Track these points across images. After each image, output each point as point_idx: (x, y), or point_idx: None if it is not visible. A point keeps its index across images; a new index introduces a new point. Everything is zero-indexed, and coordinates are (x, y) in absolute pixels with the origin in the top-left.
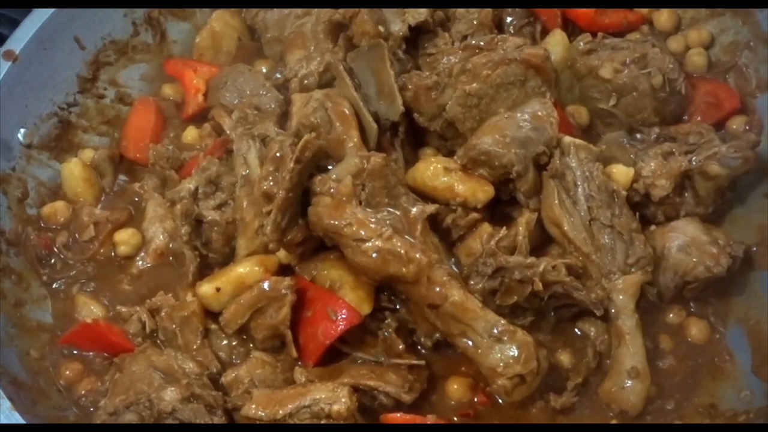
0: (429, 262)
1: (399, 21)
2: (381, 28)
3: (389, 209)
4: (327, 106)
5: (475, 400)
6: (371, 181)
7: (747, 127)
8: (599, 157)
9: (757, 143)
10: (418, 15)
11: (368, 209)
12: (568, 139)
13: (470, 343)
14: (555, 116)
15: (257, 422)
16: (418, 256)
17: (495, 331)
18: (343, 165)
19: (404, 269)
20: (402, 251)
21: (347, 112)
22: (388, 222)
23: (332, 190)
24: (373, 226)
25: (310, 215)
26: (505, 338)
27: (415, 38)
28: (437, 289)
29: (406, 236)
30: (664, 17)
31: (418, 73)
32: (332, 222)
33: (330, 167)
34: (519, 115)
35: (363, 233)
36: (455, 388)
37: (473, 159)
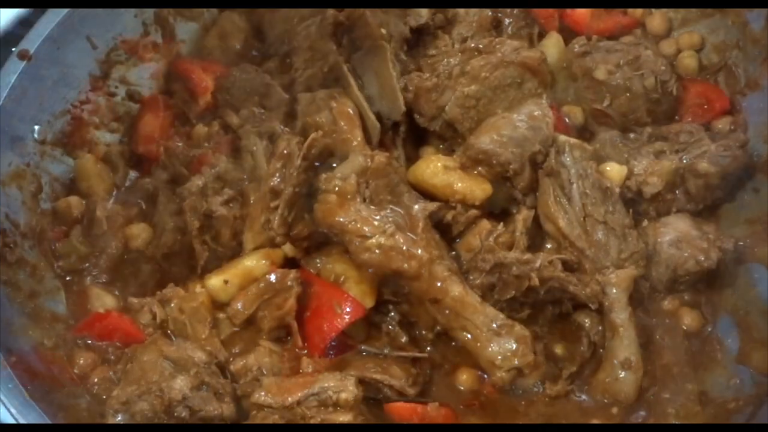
0: (430, 258)
1: (401, 23)
2: (383, 30)
3: (392, 207)
4: (332, 106)
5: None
6: (374, 180)
7: (732, 127)
8: (593, 155)
9: (745, 142)
10: (419, 17)
11: (372, 207)
12: (563, 138)
13: (470, 336)
14: (550, 116)
15: (266, 408)
16: (419, 252)
17: (494, 325)
18: (347, 163)
19: (406, 265)
20: (404, 247)
21: (351, 112)
22: (390, 219)
23: (337, 188)
24: (376, 223)
25: (315, 212)
26: (504, 332)
27: (417, 40)
28: (438, 284)
29: (409, 233)
30: (656, 21)
31: (419, 74)
32: (337, 219)
33: (334, 165)
34: (516, 115)
35: (367, 230)
36: (464, 378)
37: (472, 158)
